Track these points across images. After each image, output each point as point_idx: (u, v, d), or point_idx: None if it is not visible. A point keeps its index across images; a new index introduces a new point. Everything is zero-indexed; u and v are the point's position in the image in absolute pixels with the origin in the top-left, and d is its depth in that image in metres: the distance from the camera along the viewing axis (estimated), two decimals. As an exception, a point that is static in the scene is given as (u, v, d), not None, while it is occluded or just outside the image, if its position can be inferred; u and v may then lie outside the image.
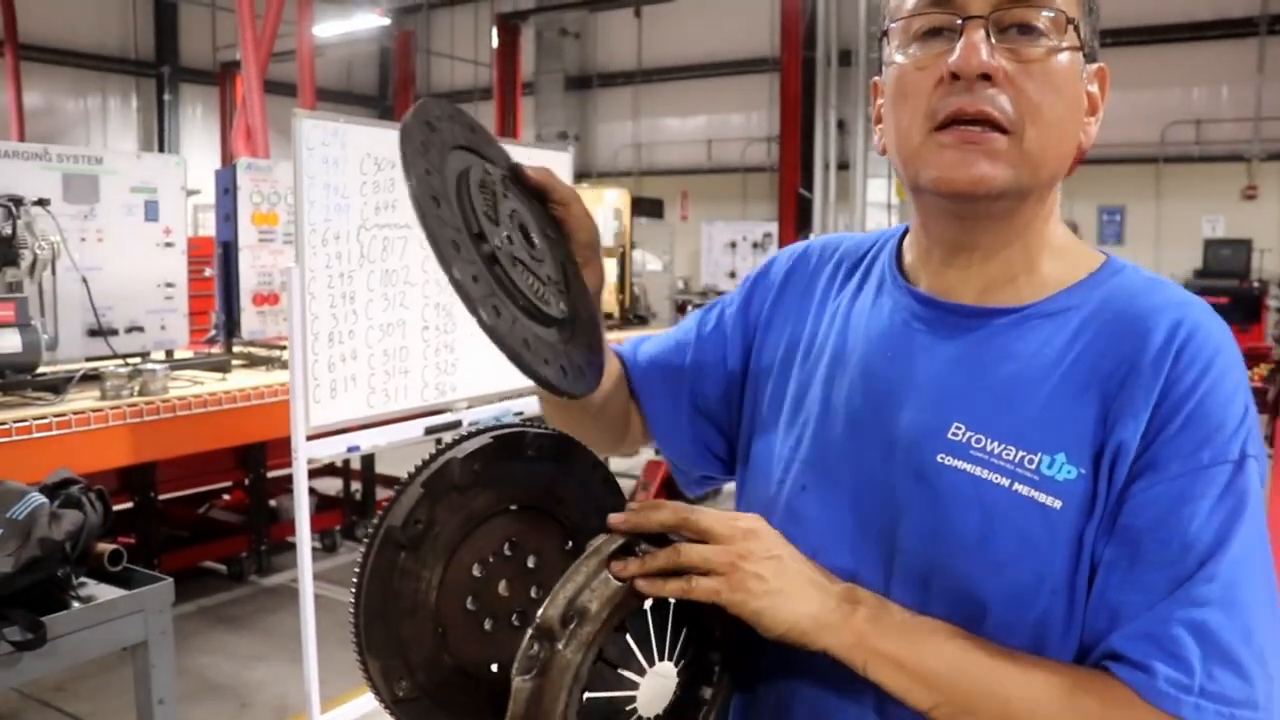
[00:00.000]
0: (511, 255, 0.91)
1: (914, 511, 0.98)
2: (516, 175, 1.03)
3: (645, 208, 12.83)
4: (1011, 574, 0.93)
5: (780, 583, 0.93)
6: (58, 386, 3.98)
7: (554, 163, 4.39)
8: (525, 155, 4.33)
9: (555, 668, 0.88)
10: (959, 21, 0.95)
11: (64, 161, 4.24)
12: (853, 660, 0.92)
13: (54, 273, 4.12)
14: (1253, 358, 8.55)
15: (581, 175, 17.83)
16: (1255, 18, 13.26)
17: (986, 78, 0.94)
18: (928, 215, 1.06)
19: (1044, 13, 0.95)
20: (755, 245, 13.73)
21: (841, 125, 12.50)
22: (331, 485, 6.33)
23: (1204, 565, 0.88)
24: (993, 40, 0.94)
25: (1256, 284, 10.65)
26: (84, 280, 4.23)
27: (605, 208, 8.13)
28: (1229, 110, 13.73)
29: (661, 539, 0.95)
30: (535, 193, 1.04)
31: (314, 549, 4.16)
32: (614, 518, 0.96)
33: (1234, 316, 9.85)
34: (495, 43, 13.77)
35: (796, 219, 10.81)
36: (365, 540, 1.00)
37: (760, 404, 1.18)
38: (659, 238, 12.38)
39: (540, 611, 0.90)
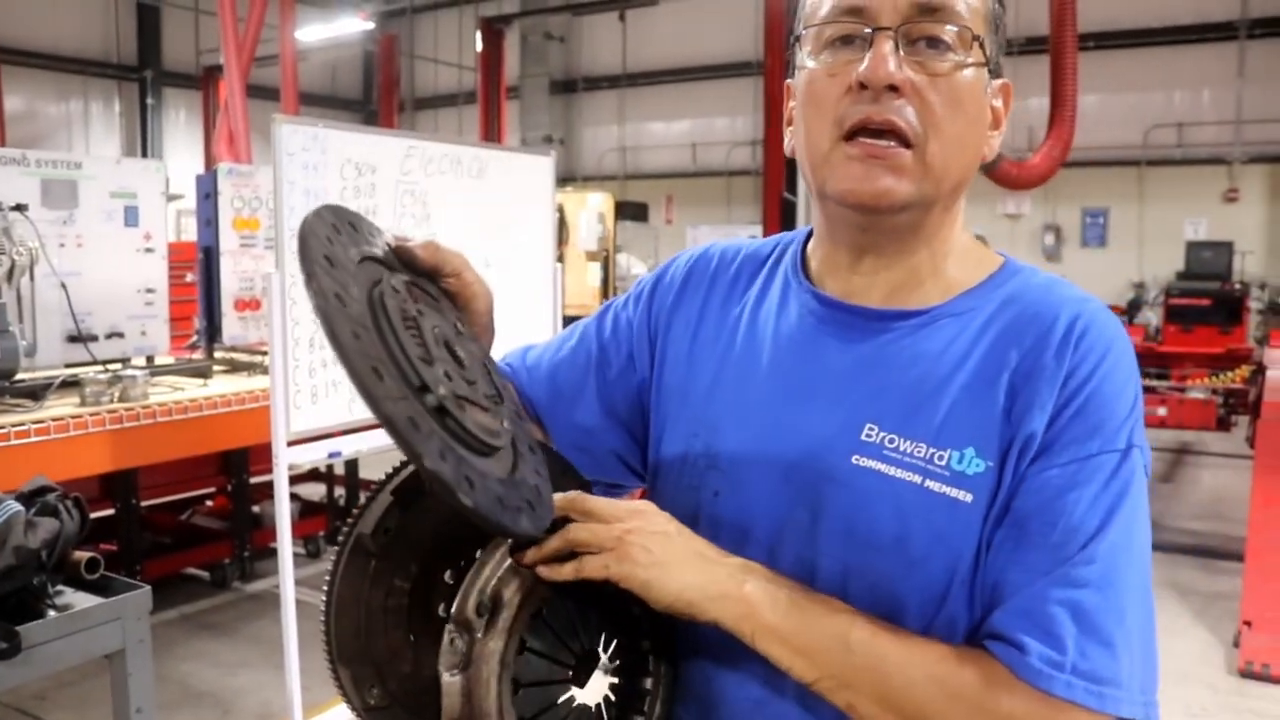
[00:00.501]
0: (455, 396, 0.86)
1: (830, 513, 1.00)
2: (403, 259, 0.98)
3: (630, 211, 12.84)
4: (927, 570, 0.96)
5: (666, 555, 0.95)
6: (36, 393, 3.95)
7: (536, 167, 4.39)
8: (509, 159, 4.29)
9: (479, 658, 0.89)
10: (868, 31, 0.97)
11: (42, 167, 4.22)
12: (740, 631, 0.94)
13: (32, 278, 4.08)
14: (1233, 359, 8.58)
15: (566, 179, 17.82)
16: (1235, 21, 13.34)
17: (893, 89, 0.96)
18: (834, 222, 1.08)
19: (950, 28, 0.98)
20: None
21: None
22: (315, 491, 6.31)
23: (1084, 550, 0.91)
24: (901, 52, 0.97)
25: (1238, 286, 10.67)
26: (63, 286, 4.20)
27: (589, 212, 8.14)
28: (1210, 113, 13.81)
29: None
30: (424, 271, 1.00)
31: (297, 555, 4.14)
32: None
33: (1216, 318, 9.88)
34: (480, 46, 13.74)
35: (781, 222, 10.81)
36: (336, 547, 0.99)
37: (667, 409, 1.17)
38: (644, 241, 12.40)
39: (455, 605, 0.90)
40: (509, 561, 0.92)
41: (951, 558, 0.95)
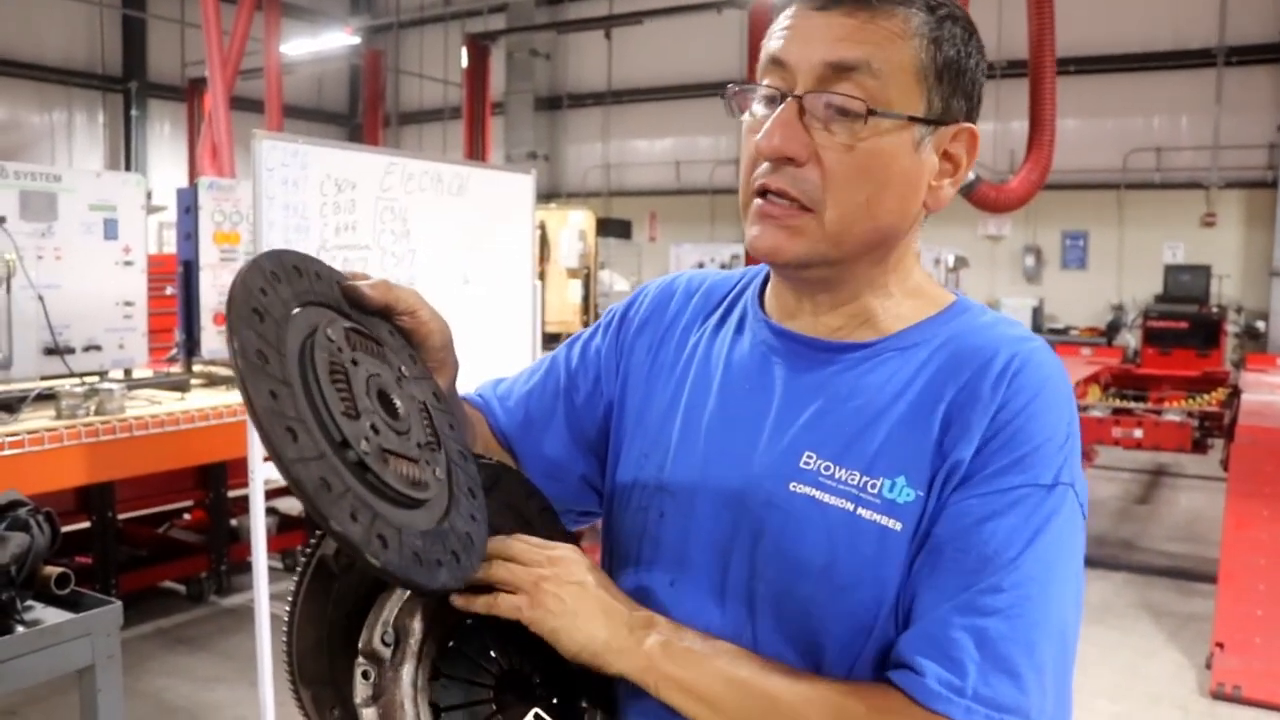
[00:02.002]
0: (380, 449, 0.85)
1: (768, 538, 1.02)
2: (352, 300, 0.97)
3: (613, 228, 12.86)
4: (854, 597, 0.97)
5: (577, 606, 0.97)
6: (11, 406, 3.94)
7: (517, 184, 4.41)
8: (490, 176, 4.30)
9: (390, 685, 0.90)
10: (784, 95, 0.99)
11: (21, 179, 4.20)
12: (644, 683, 0.97)
13: (9, 290, 4.08)
14: (1210, 382, 8.66)
15: (551, 195, 17.85)
16: (1213, 49, 13.50)
17: (789, 159, 0.98)
18: None
19: (853, 100, 0.96)
20: (723, 267, 13.76)
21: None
22: (293, 505, 6.29)
23: (995, 580, 0.91)
24: (808, 119, 0.98)
25: (1215, 309, 10.81)
26: (40, 298, 4.19)
27: (570, 229, 8.16)
28: (1188, 139, 13.96)
29: None
30: (375, 311, 1.00)
31: (274, 569, 4.14)
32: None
33: (1193, 341, 9.98)
34: (465, 62, 13.76)
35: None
36: (298, 569, 1.00)
37: (625, 431, 1.20)
38: (627, 258, 12.41)
39: (361, 640, 0.92)
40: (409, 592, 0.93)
41: (879, 586, 0.96)
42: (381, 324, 0.99)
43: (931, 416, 0.98)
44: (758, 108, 1.03)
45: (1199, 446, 7.64)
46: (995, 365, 0.98)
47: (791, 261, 1.01)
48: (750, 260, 1.22)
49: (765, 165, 1.00)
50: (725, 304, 1.20)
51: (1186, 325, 10.12)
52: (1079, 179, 13.75)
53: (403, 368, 0.96)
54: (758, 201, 1.02)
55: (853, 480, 0.99)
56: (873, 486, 0.98)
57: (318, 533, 1.00)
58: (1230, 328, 11.98)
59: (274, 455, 0.76)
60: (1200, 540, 6.90)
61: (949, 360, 1.01)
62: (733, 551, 1.04)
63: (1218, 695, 4.47)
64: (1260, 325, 13.15)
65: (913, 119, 0.99)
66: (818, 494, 1.00)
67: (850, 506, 0.98)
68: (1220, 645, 4.65)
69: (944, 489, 0.96)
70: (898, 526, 0.96)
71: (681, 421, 1.12)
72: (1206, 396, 7.97)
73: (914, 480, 0.97)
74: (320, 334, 0.87)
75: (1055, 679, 0.91)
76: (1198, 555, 6.50)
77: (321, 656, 0.99)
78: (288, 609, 0.99)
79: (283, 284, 0.88)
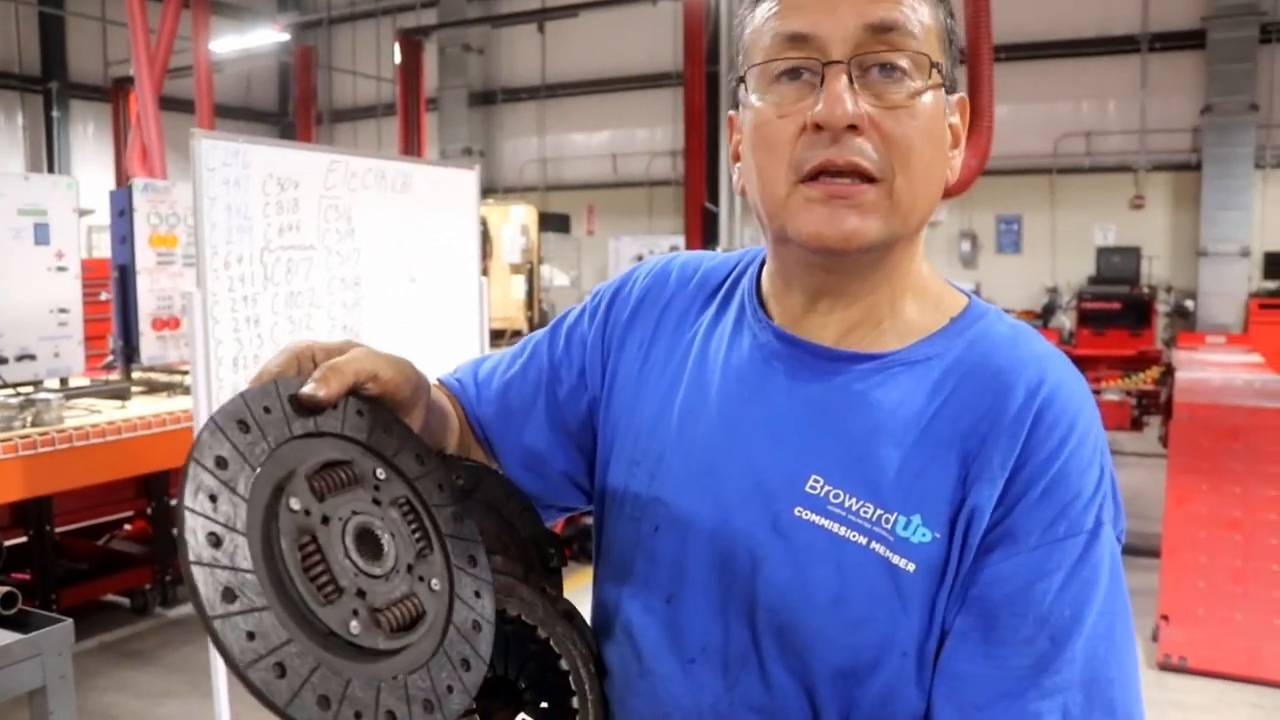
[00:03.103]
0: (370, 611, 0.81)
1: (769, 564, 0.96)
2: (310, 409, 0.86)
3: (552, 223, 12.82)
4: (863, 634, 0.92)
5: None
6: (-56, 419, 3.81)
7: (461, 180, 4.36)
8: (433, 173, 4.26)
9: None
10: (820, 64, 0.91)
11: (-54, 184, 4.08)
12: None
13: (-62, 300, 3.95)
14: (1144, 361, 8.85)
15: (488, 191, 17.70)
16: (1137, 35, 13.78)
17: (853, 128, 0.90)
18: (791, 263, 1.01)
19: (903, 56, 0.91)
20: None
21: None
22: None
23: (1062, 647, 0.88)
24: (855, 85, 0.91)
25: (1146, 289, 11.04)
26: (-30, 307, 4.07)
27: (512, 224, 8.10)
28: (1116, 123, 14.23)
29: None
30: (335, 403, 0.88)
31: (221, 579, 4.05)
32: None
33: (1126, 321, 10.19)
34: (398, 59, 13.60)
35: (704, 232, 10.87)
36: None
37: (614, 433, 1.12)
38: (566, 252, 12.38)
39: None
40: None
41: (890, 626, 0.91)
42: (348, 403, 0.90)
43: (950, 450, 0.92)
44: (782, 88, 0.94)
45: (1136, 424, 7.82)
46: (1017, 394, 0.92)
47: (865, 245, 0.93)
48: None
49: (808, 151, 0.92)
50: (722, 295, 1.12)
51: (1119, 306, 10.32)
52: (1012, 164, 13.96)
53: (377, 470, 0.89)
54: (810, 185, 0.92)
55: (865, 512, 0.92)
56: (887, 521, 0.92)
57: None
58: (1161, 307, 12.25)
59: (261, 700, 0.72)
60: (1141, 516, 7.03)
61: (966, 382, 0.95)
62: (734, 574, 0.98)
63: (1164, 666, 4.57)
64: (1189, 304, 13.49)
65: (944, 83, 0.95)
66: (827, 523, 0.93)
67: (863, 540, 0.92)
68: (1165, 618, 4.75)
69: (968, 533, 0.90)
70: (911, 567, 0.91)
71: (674, 430, 1.05)
72: (1141, 375, 8.15)
73: (930, 521, 0.91)
74: (284, 504, 0.80)
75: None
76: (1140, 531, 6.62)
77: None
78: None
79: (234, 446, 0.80)
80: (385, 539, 0.85)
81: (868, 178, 0.92)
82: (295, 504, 0.80)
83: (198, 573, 0.72)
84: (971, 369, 0.95)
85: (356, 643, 0.79)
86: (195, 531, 0.73)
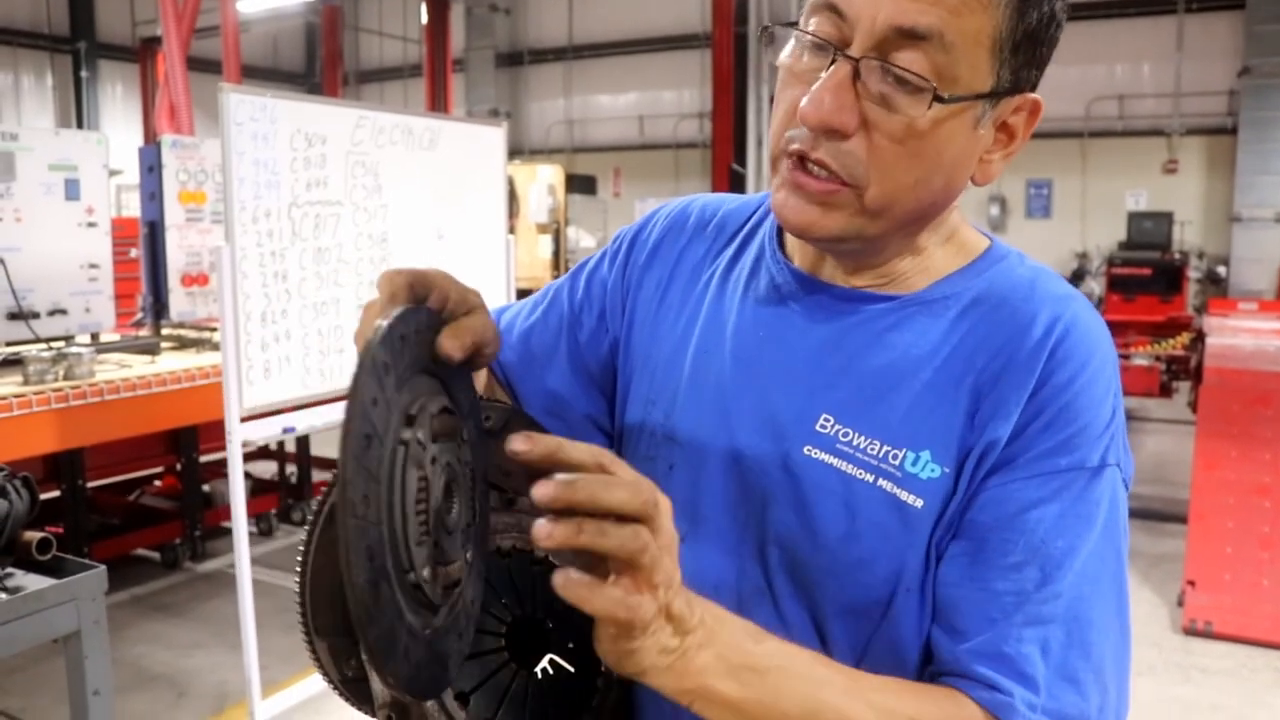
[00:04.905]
0: (434, 565, 0.81)
1: (780, 503, 0.96)
2: (435, 353, 0.84)
3: (578, 185, 12.80)
4: (871, 571, 0.92)
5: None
6: (-23, 372, 3.86)
7: (488, 137, 4.35)
8: (460, 130, 4.24)
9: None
10: (833, 50, 0.87)
11: (-23, 138, 4.10)
12: (682, 702, 0.80)
13: (-31, 254, 3.99)
14: (1174, 327, 8.76)
15: (514, 152, 17.68)
16: (1174, -5, 13.56)
17: (835, 131, 0.86)
18: None
19: (920, 77, 0.84)
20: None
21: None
22: (266, 469, 6.23)
23: (1050, 580, 0.87)
24: (862, 83, 0.86)
25: (1178, 255, 10.90)
26: (1, 262, 4.10)
27: (540, 184, 8.09)
28: (1150, 86, 14.02)
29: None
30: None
31: (249, 533, 4.10)
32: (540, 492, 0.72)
33: (1156, 287, 10.07)
34: (425, 19, 13.56)
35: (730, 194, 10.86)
36: (310, 519, 0.97)
37: (631, 372, 1.12)
38: (592, 214, 12.37)
39: (378, 696, 0.91)
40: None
41: (897, 563, 0.91)
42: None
43: (961, 386, 0.91)
44: (804, 54, 0.90)
45: (1165, 390, 7.75)
46: (1034, 331, 0.91)
47: (823, 239, 0.92)
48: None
49: (795, 129, 0.90)
50: (742, 236, 1.11)
51: (1150, 272, 10.20)
52: (1043, 128, 13.23)
53: (463, 431, 0.89)
54: (788, 165, 0.91)
55: (873, 449, 0.92)
56: (894, 457, 0.91)
57: (324, 486, 0.98)
58: (1192, 273, 12.11)
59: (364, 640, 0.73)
60: (1169, 482, 7.00)
61: (984, 320, 0.93)
62: (746, 513, 0.98)
63: (1190, 631, 4.56)
64: (1221, 270, 13.33)
65: (979, 96, 0.87)
66: (835, 461, 0.93)
67: (870, 478, 0.92)
68: (1191, 583, 4.73)
69: (977, 469, 0.89)
70: (919, 503, 0.90)
71: (690, 367, 1.05)
72: (1171, 341, 8.07)
73: (940, 456, 0.90)
74: (412, 439, 0.80)
75: (1114, 672, 0.89)
76: (1167, 497, 6.60)
77: (336, 607, 0.97)
78: (299, 560, 0.97)
79: (389, 375, 0.80)
80: (458, 500, 0.86)
81: (841, 180, 0.89)
82: (422, 436, 0.81)
83: (351, 465, 0.73)
84: (990, 308, 0.94)
85: (421, 586, 0.79)
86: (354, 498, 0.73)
